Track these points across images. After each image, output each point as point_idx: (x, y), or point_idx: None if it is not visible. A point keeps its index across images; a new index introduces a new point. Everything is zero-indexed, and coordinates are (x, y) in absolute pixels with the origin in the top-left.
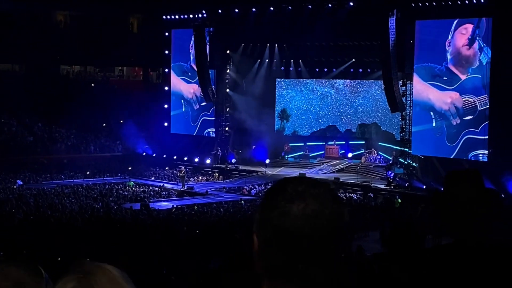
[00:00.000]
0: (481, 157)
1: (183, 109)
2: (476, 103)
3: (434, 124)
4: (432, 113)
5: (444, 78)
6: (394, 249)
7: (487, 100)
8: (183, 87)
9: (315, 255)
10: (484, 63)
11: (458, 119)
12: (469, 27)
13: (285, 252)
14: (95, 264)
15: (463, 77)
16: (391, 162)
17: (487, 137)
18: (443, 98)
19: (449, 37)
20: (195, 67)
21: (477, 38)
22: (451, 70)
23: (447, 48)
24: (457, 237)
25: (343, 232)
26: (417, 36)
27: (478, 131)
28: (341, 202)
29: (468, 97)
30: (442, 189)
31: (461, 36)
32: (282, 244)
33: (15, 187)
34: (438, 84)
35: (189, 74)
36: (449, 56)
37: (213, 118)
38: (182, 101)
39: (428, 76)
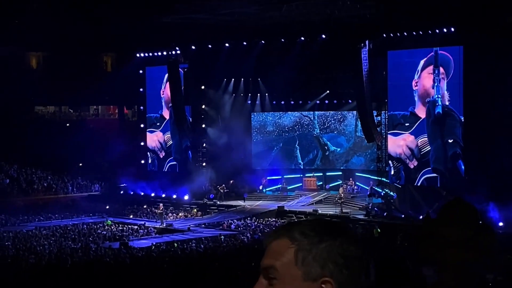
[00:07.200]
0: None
1: (150, 161)
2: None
3: (392, 173)
4: (390, 162)
5: (406, 124)
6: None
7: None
8: (148, 140)
9: None
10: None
11: (415, 161)
12: (432, 68)
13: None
14: None
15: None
16: (368, 192)
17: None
18: (397, 142)
19: (416, 77)
20: (165, 115)
21: (436, 77)
22: (415, 114)
23: (414, 88)
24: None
25: None
26: (389, 69)
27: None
28: None
29: (424, 137)
30: (431, 224)
31: (428, 76)
32: (360, 270)
33: None
34: (397, 131)
35: (157, 124)
36: (416, 99)
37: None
38: (149, 153)
39: (389, 126)
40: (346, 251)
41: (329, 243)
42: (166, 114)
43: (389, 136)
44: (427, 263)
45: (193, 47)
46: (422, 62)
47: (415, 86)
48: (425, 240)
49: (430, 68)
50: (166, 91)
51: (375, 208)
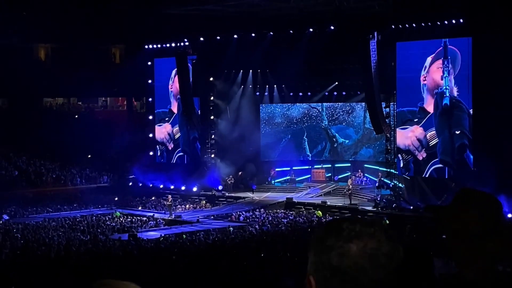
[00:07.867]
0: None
1: (159, 153)
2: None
3: (401, 165)
4: (399, 155)
5: (415, 120)
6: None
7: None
8: (157, 132)
9: None
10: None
11: (423, 152)
12: (441, 61)
13: None
14: (118, 282)
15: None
16: (377, 184)
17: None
18: (406, 134)
19: (424, 73)
20: (173, 109)
21: (445, 69)
22: (424, 109)
23: (422, 83)
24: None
25: (398, 269)
26: (398, 60)
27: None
28: (396, 240)
29: (433, 131)
30: (446, 211)
31: (437, 70)
32: (343, 284)
33: (1, 222)
34: (406, 126)
35: (166, 119)
36: (425, 92)
37: (180, 154)
38: (157, 146)
39: (398, 122)
40: (335, 260)
41: (328, 245)
42: (174, 108)
43: (397, 130)
44: (446, 254)
45: (202, 39)
46: (429, 58)
47: (424, 80)
48: (444, 231)
49: (438, 62)
50: (174, 85)
51: (384, 200)
